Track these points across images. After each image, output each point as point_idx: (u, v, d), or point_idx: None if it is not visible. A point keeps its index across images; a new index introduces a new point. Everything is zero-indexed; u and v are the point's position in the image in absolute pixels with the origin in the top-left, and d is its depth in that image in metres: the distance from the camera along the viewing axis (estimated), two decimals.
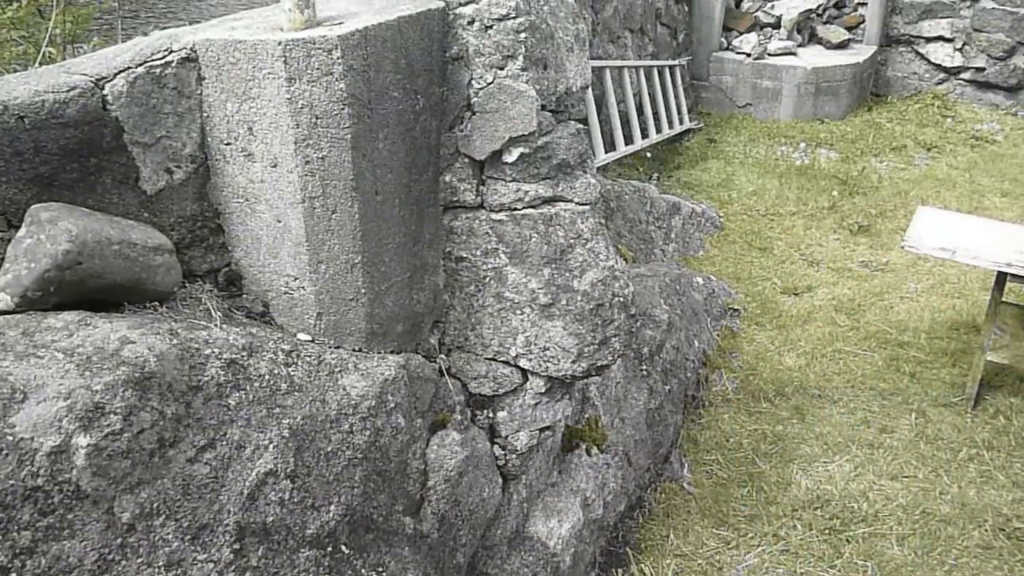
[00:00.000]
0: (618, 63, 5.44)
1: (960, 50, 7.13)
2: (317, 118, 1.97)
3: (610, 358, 2.28)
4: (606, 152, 4.88)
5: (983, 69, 7.10)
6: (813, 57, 6.88)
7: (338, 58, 1.93)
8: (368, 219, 2.08)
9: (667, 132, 6.11)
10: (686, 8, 6.99)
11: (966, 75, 7.18)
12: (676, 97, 6.49)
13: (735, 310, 4.13)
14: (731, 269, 4.57)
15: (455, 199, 2.27)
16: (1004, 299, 3.43)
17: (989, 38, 7.01)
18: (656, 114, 5.99)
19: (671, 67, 6.48)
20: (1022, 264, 3.13)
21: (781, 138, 6.41)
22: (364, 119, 2.01)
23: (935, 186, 5.64)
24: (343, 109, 1.96)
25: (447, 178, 2.25)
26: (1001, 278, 3.32)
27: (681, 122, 6.46)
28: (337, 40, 1.93)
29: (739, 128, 6.64)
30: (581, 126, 2.32)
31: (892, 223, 5.11)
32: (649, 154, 5.70)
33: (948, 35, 7.14)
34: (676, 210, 4.69)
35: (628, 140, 5.37)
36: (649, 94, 5.98)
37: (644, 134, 5.69)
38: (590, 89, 4.76)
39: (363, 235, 2.08)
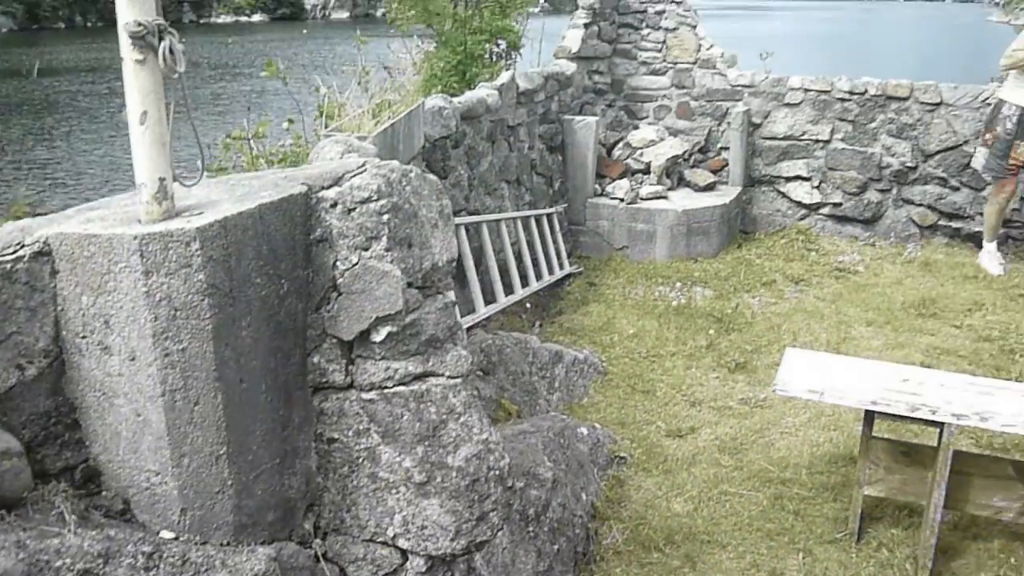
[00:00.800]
0: (495, 216, 5.58)
1: (818, 187, 7.58)
2: (176, 310, 1.94)
3: (489, 533, 2.25)
4: (486, 305, 4.95)
5: (840, 204, 7.55)
6: (683, 200, 7.20)
7: (197, 250, 1.92)
8: (233, 408, 2.03)
9: (548, 279, 6.25)
10: (560, 158, 7.26)
11: (825, 210, 7.61)
12: (555, 243, 6.67)
13: (621, 457, 4.15)
14: (616, 415, 4.62)
15: (324, 380, 2.24)
16: (874, 434, 3.54)
17: (843, 176, 7.48)
18: (536, 262, 6.13)
19: (548, 215, 6.68)
20: (887, 402, 3.25)
21: (658, 278, 6.62)
22: (226, 308, 1.99)
23: (805, 319, 5.87)
24: (203, 300, 1.94)
25: (316, 359, 2.23)
26: (869, 415, 3.44)
27: (561, 267, 6.62)
28: (195, 232, 1.92)
29: (618, 270, 6.83)
30: (450, 299, 2.34)
31: (767, 358, 5.28)
32: (529, 304, 5.80)
33: (806, 174, 7.59)
34: (559, 359, 4.75)
35: (509, 290, 5.46)
36: (528, 243, 6.14)
37: (525, 283, 5.81)
38: (467, 244, 4.86)
39: (228, 425, 2.02)
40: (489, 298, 5.18)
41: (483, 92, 5.94)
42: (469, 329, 4.48)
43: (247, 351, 2.05)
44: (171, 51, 1.92)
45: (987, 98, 6.86)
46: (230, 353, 2.00)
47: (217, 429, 2.00)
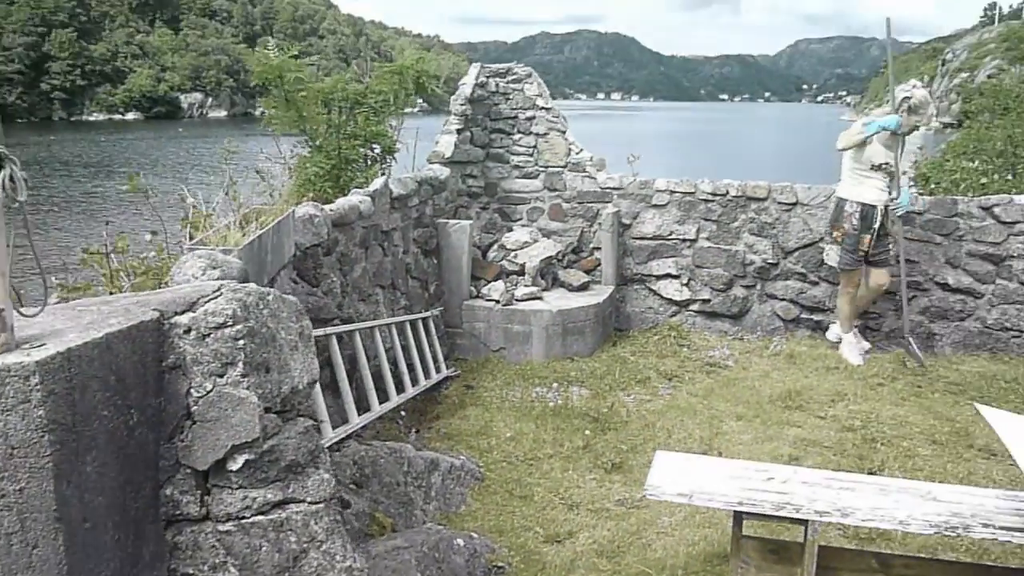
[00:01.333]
0: (368, 324, 5.54)
1: (687, 285, 7.84)
2: (13, 448, 1.84)
3: None
4: (360, 414, 4.87)
5: (709, 300, 7.81)
6: (558, 300, 7.32)
7: (36, 384, 1.84)
8: (75, 550, 1.93)
9: (424, 384, 6.21)
10: (435, 261, 7.31)
11: (695, 306, 7.86)
12: (431, 347, 6.66)
13: (499, 567, 4.09)
14: (493, 522, 4.57)
15: (178, 512, 2.15)
16: (744, 534, 3.60)
17: (710, 273, 7.77)
18: (412, 367, 6.09)
19: (424, 319, 6.68)
20: (753, 502, 3.32)
21: (535, 379, 6.67)
22: (68, 444, 1.90)
23: (678, 415, 5.99)
24: (43, 437, 1.85)
25: (168, 491, 2.14)
26: (738, 515, 3.50)
27: (438, 371, 6.60)
28: (35, 366, 1.84)
29: (495, 372, 6.86)
30: (311, 422, 2.30)
31: (643, 457, 5.33)
32: (404, 412, 5.74)
33: (675, 272, 7.85)
34: (435, 466, 4.69)
35: (384, 398, 5.40)
36: (403, 348, 6.11)
37: (401, 389, 5.76)
38: (339, 354, 4.80)
39: (70, 568, 1.91)
40: (364, 407, 5.11)
41: (356, 198, 5.96)
42: (342, 440, 4.39)
43: (92, 487, 1.95)
44: (11, 179, 1.87)
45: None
46: (72, 491, 1.90)
47: (58, 573, 1.89)
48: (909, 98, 6.80)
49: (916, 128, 6.96)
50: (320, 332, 4.56)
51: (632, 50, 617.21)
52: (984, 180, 8.16)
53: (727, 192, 7.68)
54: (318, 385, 4.23)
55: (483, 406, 6.22)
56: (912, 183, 6.60)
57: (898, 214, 7.03)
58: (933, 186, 8.43)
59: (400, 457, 4.46)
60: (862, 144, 6.81)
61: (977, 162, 8.67)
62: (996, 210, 7.28)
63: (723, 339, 7.68)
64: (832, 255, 7.03)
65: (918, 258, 7.46)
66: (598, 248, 7.91)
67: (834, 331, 7.32)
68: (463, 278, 7.31)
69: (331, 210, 5.53)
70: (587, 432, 5.70)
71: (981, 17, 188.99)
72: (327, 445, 4.17)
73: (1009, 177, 8.29)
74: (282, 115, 8.00)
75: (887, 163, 6.85)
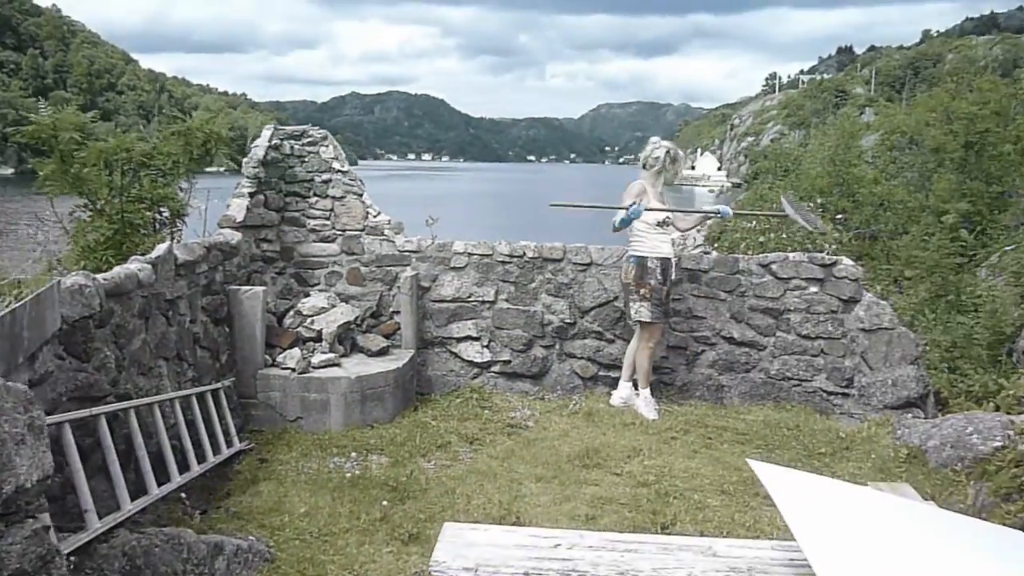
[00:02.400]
0: (147, 400, 5.20)
1: (487, 347, 7.85)
2: None
3: None
4: (135, 499, 4.52)
5: (510, 361, 7.85)
6: (356, 366, 7.16)
7: None
8: None
9: (213, 460, 5.87)
10: (227, 329, 7.00)
11: (496, 368, 7.88)
12: (222, 420, 6.34)
13: None
14: None
15: None
16: None
17: (509, 334, 7.82)
18: (198, 443, 5.76)
19: (214, 391, 6.35)
20: (539, 571, 3.28)
21: (333, 449, 6.46)
22: None
23: (478, 480, 5.93)
24: None
25: None
26: None
27: (230, 445, 6.28)
28: None
29: (291, 444, 6.59)
30: (41, 524, 2.07)
31: (441, 526, 5.22)
32: (184, 495, 5.39)
33: (475, 334, 7.85)
34: (219, 551, 4.40)
35: (165, 479, 5.05)
36: (190, 423, 5.77)
37: (186, 467, 5.41)
38: (109, 436, 4.46)
39: None
40: (142, 490, 4.75)
41: (134, 266, 5.62)
42: (111, 530, 4.05)
43: None
44: None
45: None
46: None
47: None
48: (667, 151, 7.24)
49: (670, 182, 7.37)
50: (85, 413, 4.23)
51: (442, 111, 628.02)
52: (762, 239, 8.69)
53: (524, 254, 7.79)
54: (82, 472, 3.90)
55: (277, 480, 5.95)
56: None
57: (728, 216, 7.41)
58: (716, 245, 8.92)
59: (178, 543, 4.16)
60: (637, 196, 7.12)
61: (755, 222, 9.24)
62: (774, 267, 7.72)
63: (524, 399, 7.72)
64: (644, 311, 7.22)
65: (705, 313, 7.80)
66: (397, 312, 7.82)
67: (621, 394, 7.47)
68: (257, 346, 7.03)
69: (105, 279, 5.18)
70: (385, 503, 5.53)
71: (763, 86, 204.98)
72: (92, 536, 3.84)
73: (784, 236, 8.88)
74: (57, 176, 7.54)
75: (667, 218, 7.18)
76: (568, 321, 7.80)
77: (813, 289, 7.70)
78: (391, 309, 7.95)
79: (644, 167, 7.40)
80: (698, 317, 7.80)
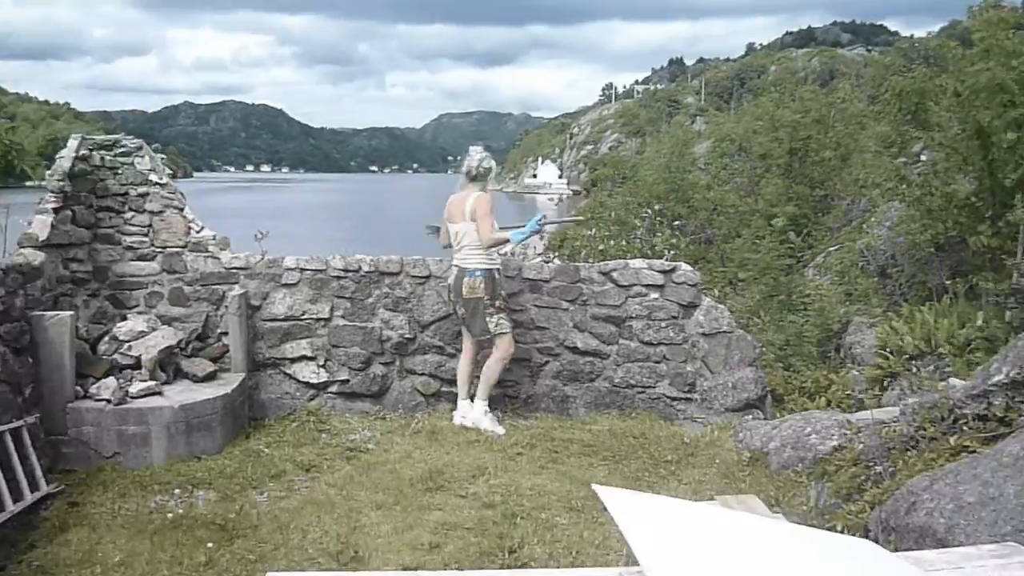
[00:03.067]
0: None
1: (324, 366, 7.47)
2: None
3: None
4: None
5: (348, 380, 7.48)
6: (181, 394, 6.64)
7: None
8: None
9: (12, 508, 5.27)
10: (30, 359, 6.34)
11: (334, 388, 7.50)
12: (25, 462, 5.71)
13: None
14: None
15: None
16: None
17: (347, 352, 7.46)
18: None
19: (14, 430, 5.72)
20: None
21: (155, 486, 5.93)
22: None
23: (314, 511, 5.55)
24: None
25: None
26: None
27: (34, 490, 5.66)
28: None
29: (107, 483, 6.01)
30: None
31: (274, 564, 4.83)
32: None
33: (310, 353, 7.45)
34: None
35: None
36: None
37: None
38: None
39: None
40: None
41: None
42: None
43: None
44: None
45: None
46: None
47: None
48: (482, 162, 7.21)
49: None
50: None
51: (280, 122, 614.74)
52: (602, 247, 8.65)
53: (359, 268, 7.45)
54: None
55: (90, 526, 5.39)
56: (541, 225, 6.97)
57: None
58: (556, 254, 8.84)
59: None
60: (490, 224, 6.94)
61: (595, 230, 9.21)
62: (614, 275, 7.67)
63: (364, 420, 7.37)
64: (504, 323, 7.02)
65: (548, 324, 7.67)
66: (225, 333, 7.32)
67: (463, 412, 7.23)
68: (66, 377, 6.40)
69: None
70: (211, 544, 5.08)
71: (600, 96, 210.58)
72: None
73: (624, 243, 8.86)
74: None
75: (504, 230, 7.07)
76: (408, 336, 7.51)
77: (653, 295, 7.69)
78: (219, 331, 7.44)
79: (475, 179, 7.20)
80: (541, 328, 7.66)
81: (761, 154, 28.52)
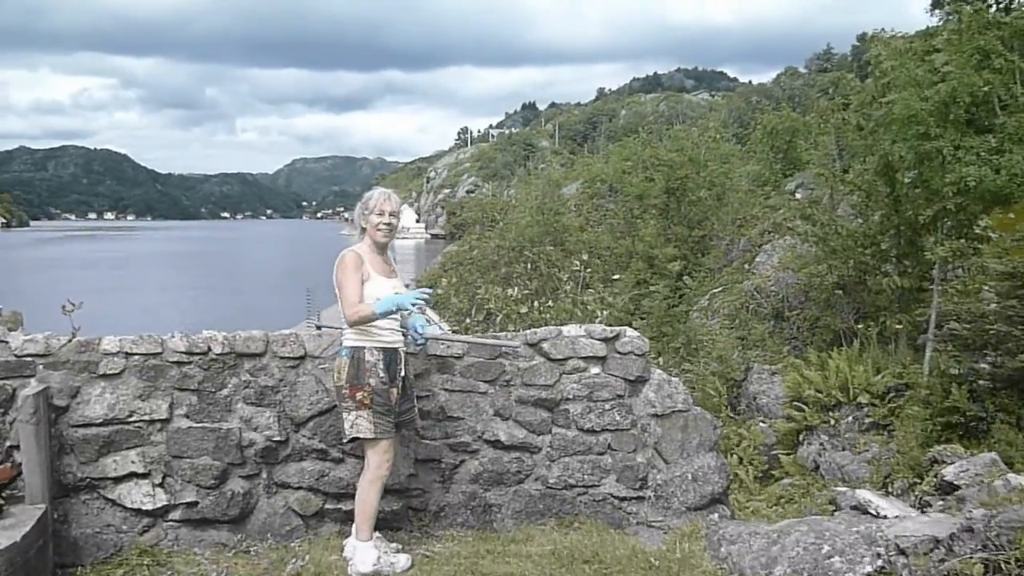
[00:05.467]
0: None
1: (161, 485, 5.45)
2: None
3: None
4: None
5: (196, 503, 5.50)
6: None
7: None
8: None
9: None
10: None
11: (177, 514, 5.50)
12: None
13: None
14: None
15: None
16: None
17: (193, 464, 5.48)
18: None
19: None
20: None
21: None
22: None
23: None
24: None
25: None
26: None
27: None
28: None
29: None
30: None
31: None
32: None
33: (143, 469, 5.43)
34: None
35: None
36: None
37: None
38: None
39: None
40: None
41: None
42: None
43: None
44: None
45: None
46: None
47: None
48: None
49: (391, 227, 5.42)
50: None
51: (125, 167, 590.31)
52: (524, 309, 6.94)
53: (209, 349, 5.50)
54: None
55: None
56: (421, 304, 5.02)
57: (419, 345, 5.51)
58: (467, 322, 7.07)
59: None
60: (358, 283, 5.14)
61: (516, 289, 7.50)
62: (544, 346, 6.01)
63: (220, 556, 5.39)
64: (363, 424, 5.14)
65: (462, 412, 5.93)
66: (17, 447, 5.22)
67: (366, 559, 5.28)
68: None
69: None
70: None
71: (456, 140, 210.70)
72: None
73: (550, 304, 7.20)
74: None
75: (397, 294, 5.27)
76: (278, 439, 5.58)
77: (594, 370, 6.07)
78: (8, 444, 5.32)
79: (358, 230, 5.43)
80: (453, 418, 5.91)
81: (637, 195, 27.78)
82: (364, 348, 5.12)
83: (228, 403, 5.53)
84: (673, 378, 6.38)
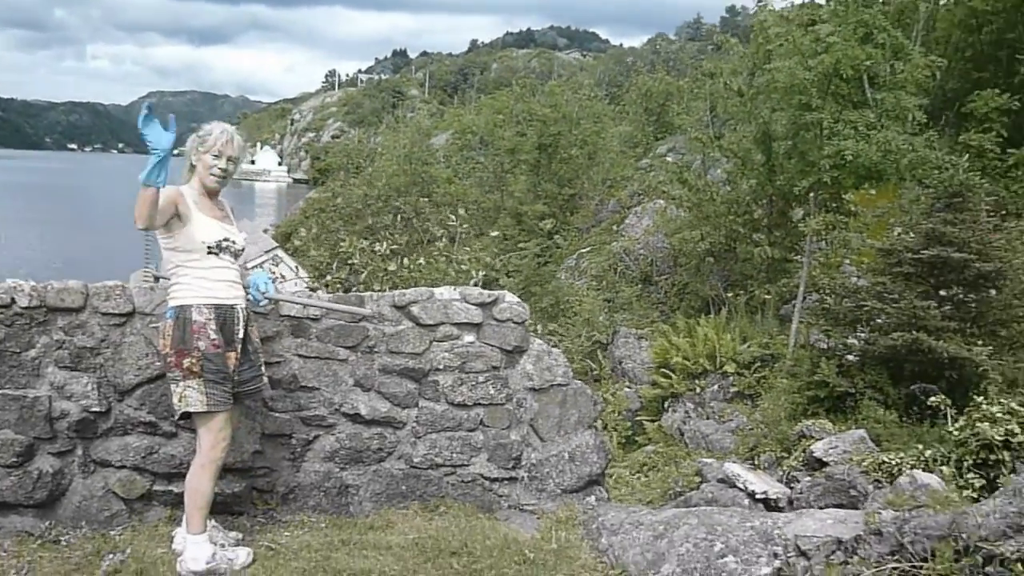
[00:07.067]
0: None
1: None
2: None
3: None
4: None
5: None
6: None
7: None
8: None
9: None
10: None
11: None
12: None
13: None
14: None
15: None
16: None
17: None
18: None
19: None
20: None
21: None
22: None
23: None
24: None
25: None
26: None
27: None
28: None
29: None
30: None
31: None
32: None
33: None
34: None
35: None
36: None
37: None
38: None
39: None
40: None
41: None
42: None
43: None
44: None
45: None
46: None
47: None
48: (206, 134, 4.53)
49: (226, 173, 4.61)
50: None
51: None
52: (392, 266, 6.24)
53: (12, 301, 4.60)
54: None
55: None
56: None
57: (263, 306, 4.80)
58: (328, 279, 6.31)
59: None
60: (178, 219, 4.33)
61: (384, 244, 6.76)
62: (414, 309, 5.37)
63: (23, 548, 4.55)
64: (193, 395, 4.37)
65: (318, 382, 5.24)
66: None
67: (199, 554, 4.54)
68: None
69: None
70: None
71: (323, 83, 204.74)
72: None
73: (422, 261, 6.51)
74: None
75: (228, 239, 4.49)
76: (97, 409, 4.75)
77: (468, 338, 5.47)
78: None
79: (188, 166, 4.58)
80: (307, 388, 5.21)
81: (509, 148, 27.18)
82: (191, 307, 4.32)
83: (36, 366, 4.66)
84: (553, 349, 5.85)
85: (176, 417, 4.50)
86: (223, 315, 4.38)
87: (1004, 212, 13.60)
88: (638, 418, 14.12)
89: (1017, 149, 13.83)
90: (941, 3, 20.85)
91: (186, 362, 4.28)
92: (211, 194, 4.56)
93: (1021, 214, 14.24)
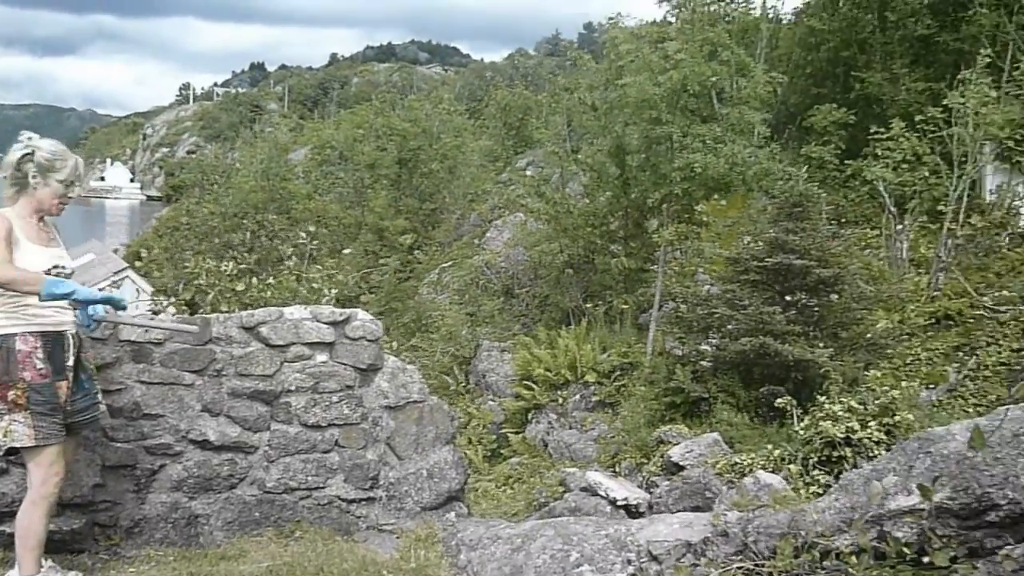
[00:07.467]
0: None
1: None
2: None
3: None
4: None
5: None
6: None
7: None
8: None
9: None
10: None
11: None
12: None
13: None
14: None
15: None
16: None
17: None
18: None
19: None
20: None
21: None
22: None
23: None
24: None
25: None
26: None
27: None
28: None
29: None
30: None
31: None
32: None
33: None
34: None
35: None
36: None
37: None
38: None
39: None
40: None
41: None
42: None
43: None
44: None
45: None
46: None
47: None
48: (31, 154, 4.29)
49: (65, 199, 4.41)
50: None
51: None
52: (240, 286, 6.05)
53: None
54: None
55: None
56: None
57: (93, 333, 4.59)
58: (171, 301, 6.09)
59: None
60: (7, 245, 4.10)
61: (231, 264, 6.55)
62: (263, 330, 5.23)
63: None
64: (18, 431, 4.10)
65: (163, 409, 5.04)
66: None
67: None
68: None
69: None
70: None
71: (177, 96, 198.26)
72: None
73: (271, 281, 6.36)
74: None
75: (58, 266, 4.26)
76: None
77: (321, 358, 5.37)
78: None
79: (16, 186, 4.32)
80: (151, 416, 5.00)
81: (369, 163, 26.96)
82: (14, 335, 4.06)
83: None
84: (408, 366, 5.82)
85: (1, 453, 4.23)
86: (51, 342, 4.14)
87: (843, 220, 14.38)
88: (503, 431, 14.18)
89: (854, 160, 14.64)
90: (783, 22, 21.93)
91: (11, 394, 4.02)
92: (40, 217, 4.32)
93: (858, 222, 15.09)
